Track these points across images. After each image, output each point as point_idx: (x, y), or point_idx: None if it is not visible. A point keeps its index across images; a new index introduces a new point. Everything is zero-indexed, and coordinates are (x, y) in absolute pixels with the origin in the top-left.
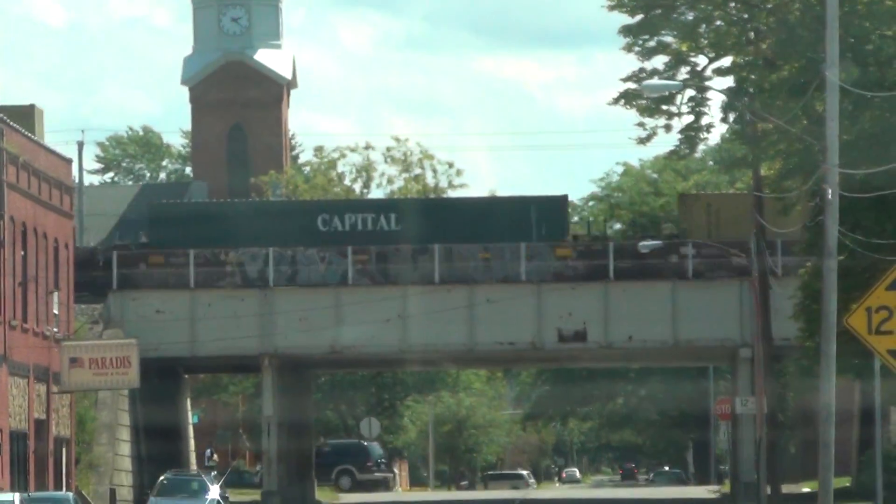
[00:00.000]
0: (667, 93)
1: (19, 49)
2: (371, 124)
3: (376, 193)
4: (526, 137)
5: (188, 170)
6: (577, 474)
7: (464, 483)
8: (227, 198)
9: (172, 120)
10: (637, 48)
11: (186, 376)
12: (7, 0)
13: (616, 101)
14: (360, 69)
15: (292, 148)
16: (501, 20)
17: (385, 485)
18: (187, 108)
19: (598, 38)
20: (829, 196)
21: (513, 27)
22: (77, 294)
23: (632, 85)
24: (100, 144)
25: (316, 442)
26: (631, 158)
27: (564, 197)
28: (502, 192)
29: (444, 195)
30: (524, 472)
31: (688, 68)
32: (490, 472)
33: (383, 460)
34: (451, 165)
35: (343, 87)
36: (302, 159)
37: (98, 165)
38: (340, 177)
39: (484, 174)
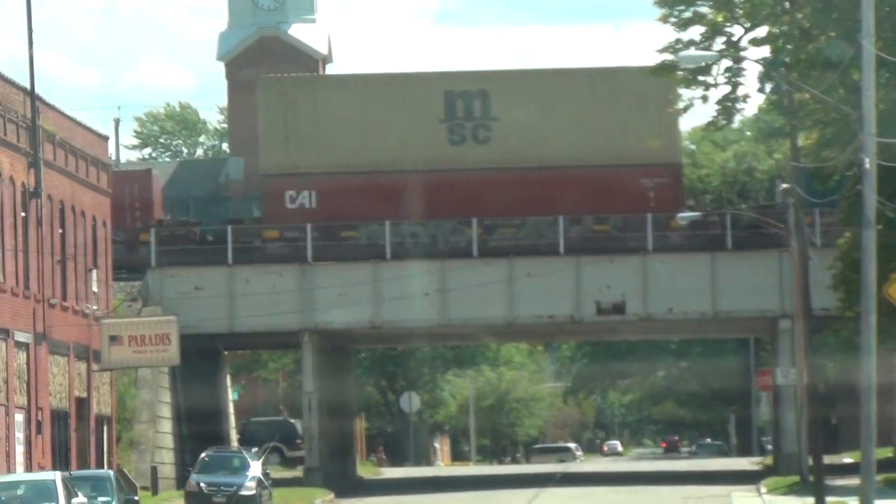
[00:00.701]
0: (703, 64)
1: (55, 26)
2: None
3: None
4: None
5: (225, 146)
6: (619, 447)
7: (506, 458)
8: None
9: (209, 96)
10: (673, 19)
11: (226, 353)
12: None
13: (653, 72)
14: (396, 43)
15: None
16: None
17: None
18: (223, 84)
19: (632, 9)
20: (867, 166)
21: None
22: (115, 272)
23: (668, 56)
24: (137, 120)
25: (353, 421)
26: None
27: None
28: None
29: None
30: (571, 445)
31: (724, 39)
32: (537, 446)
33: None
34: None
35: (378, 61)
36: None
37: (135, 142)
38: None
39: None
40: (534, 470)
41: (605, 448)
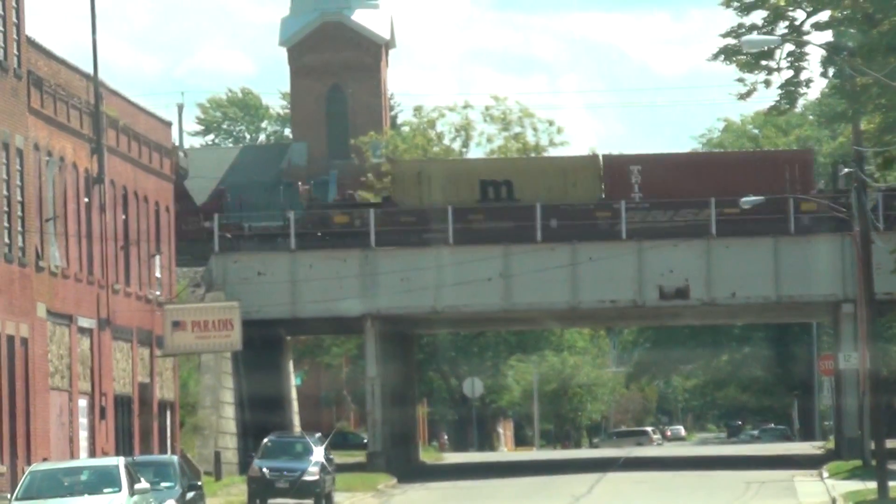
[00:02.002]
0: (766, 48)
1: (115, 12)
2: (467, 83)
3: (475, 152)
4: (623, 94)
5: (287, 131)
6: (682, 432)
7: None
8: (325, 159)
9: (269, 81)
10: (735, 4)
11: (288, 338)
12: None
13: (715, 56)
14: (455, 28)
15: (390, 108)
16: None
17: None
18: (285, 70)
19: None
20: None
21: None
22: (179, 257)
23: (731, 41)
24: (200, 106)
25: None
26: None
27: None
28: (601, 150)
29: (545, 153)
30: (649, 429)
31: (786, 23)
32: (616, 430)
33: None
34: (551, 123)
35: (438, 47)
36: (400, 119)
37: (198, 128)
38: (440, 136)
39: (582, 132)
40: (596, 454)
41: (669, 433)
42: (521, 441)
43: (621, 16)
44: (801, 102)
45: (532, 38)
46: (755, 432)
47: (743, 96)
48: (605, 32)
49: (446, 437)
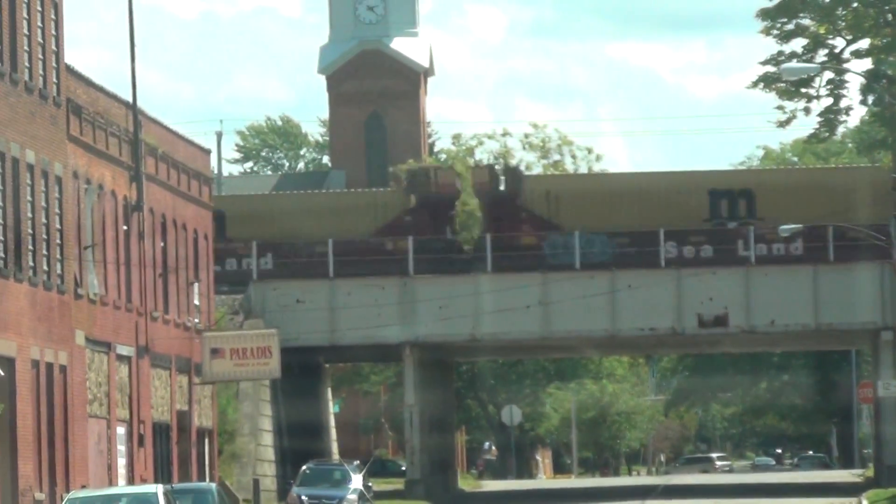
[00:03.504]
0: (805, 76)
1: (152, 40)
2: (503, 111)
3: None
4: (659, 122)
5: (326, 159)
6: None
7: (608, 470)
8: (365, 187)
9: (307, 109)
10: (775, 31)
11: (327, 366)
12: None
13: (755, 84)
14: (490, 56)
15: (428, 136)
16: (629, 5)
17: None
18: (323, 97)
19: (728, 21)
20: None
21: (641, 12)
22: (217, 285)
23: (770, 68)
24: (238, 134)
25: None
26: (764, 142)
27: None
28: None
29: None
30: (714, 455)
31: (826, 51)
32: (685, 457)
33: None
34: (590, 151)
35: (474, 74)
36: (437, 147)
37: (237, 155)
38: (478, 164)
39: (620, 159)
40: (634, 482)
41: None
42: (559, 469)
43: (657, 43)
44: (840, 130)
45: (568, 65)
46: (794, 460)
47: (782, 124)
48: (641, 59)
49: (493, 448)
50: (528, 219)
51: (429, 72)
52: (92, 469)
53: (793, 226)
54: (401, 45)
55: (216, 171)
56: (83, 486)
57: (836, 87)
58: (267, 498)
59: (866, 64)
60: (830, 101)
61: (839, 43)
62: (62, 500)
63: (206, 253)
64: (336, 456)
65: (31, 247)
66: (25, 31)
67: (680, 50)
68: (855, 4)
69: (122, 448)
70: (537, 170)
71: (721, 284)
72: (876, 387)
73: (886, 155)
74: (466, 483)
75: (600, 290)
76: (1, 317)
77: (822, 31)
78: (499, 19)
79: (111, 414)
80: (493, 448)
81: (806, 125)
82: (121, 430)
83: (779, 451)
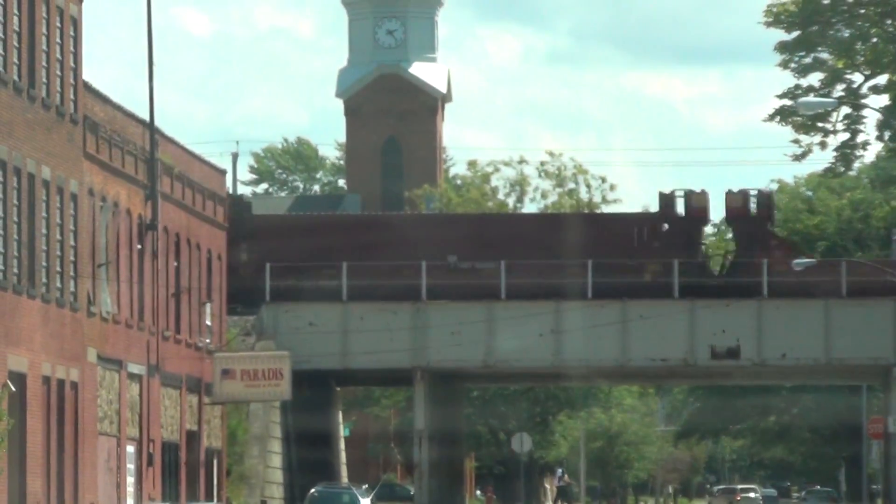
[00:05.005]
0: (822, 110)
1: (167, 60)
2: (517, 138)
3: (530, 208)
4: (673, 153)
5: (342, 182)
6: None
7: (615, 500)
8: (380, 210)
9: (322, 131)
10: (793, 65)
11: (338, 389)
12: (153, 11)
13: (771, 117)
14: (505, 83)
15: (444, 161)
16: (646, 36)
17: None
18: (340, 120)
19: (743, 54)
20: None
21: (657, 43)
22: (229, 305)
23: (787, 102)
24: (254, 155)
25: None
26: (778, 175)
27: None
28: (654, 207)
29: (598, 210)
30: (749, 486)
31: (843, 85)
32: (719, 487)
33: None
34: (604, 180)
35: (489, 101)
36: (452, 172)
37: (252, 177)
38: (494, 191)
39: (633, 189)
40: None
41: (717, 492)
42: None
43: (672, 74)
44: (856, 165)
45: (583, 94)
46: (802, 493)
47: (798, 157)
48: (655, 90)
49: (566, 476)
50: (779, 244)
51: (446, 97)
52: (101, 487)
53: (806, 260)
54: (419, 69)
55: (231, 192)
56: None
57: (853, 122)
58: None
59: (884, 100)
60: (847, 135)
61: (857, 78)
62: None
63: (220, 273)
64: (345, 479)
65: (44, 263)
66: (44, 47)
67: (695, 81)
68: (874, 40)
69: (131, 466)
70: (552, 198)
71: (734, 316)
72: (886, 423)
73: None
74: None
75: (611, 319)
76: (13, 333)
77: (840, 65)
78: (514, 47)
79: (121, 432)
80: (566, 475)
81: (821, 159)
82: (130, 449)
83: (787, 484)
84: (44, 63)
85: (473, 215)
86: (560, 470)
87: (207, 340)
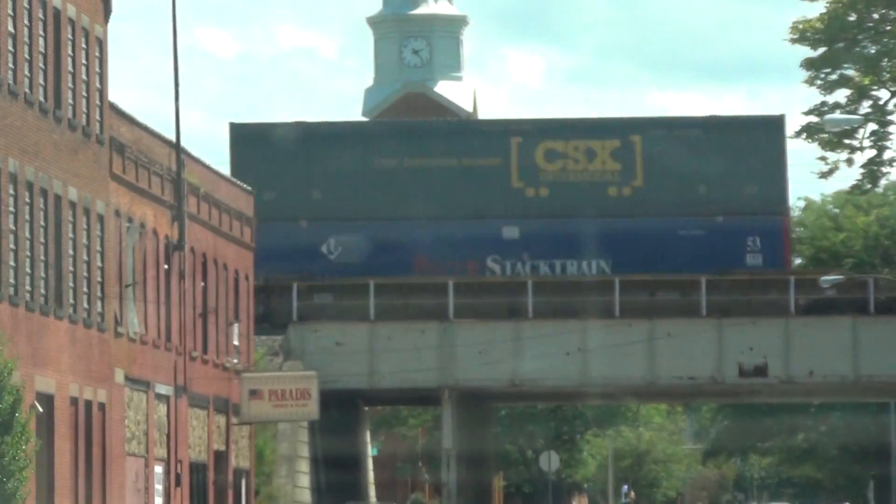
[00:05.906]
0: (849, 127)
1: (191, 80)
2: None
3: None
4: None
5: None
6: None
7: None
8: None
9: None
10: (819, 81)
11: (366, 408)
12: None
13: (797, 134)
14: (529, 101)
15: None
16: (669, 54)
17: None
18: None
19: (767, 71)
20: None
21: (680, 61)
22: (257, 326)
23: (813, 118)
24: None
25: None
26: (805, 192)
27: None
28: None
29: None
30: None
31: (870, 102)
32: None
33: None
34: None
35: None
36: None
37: None
38: None
39: None
40: None
41: None
42: None
43: (696, 92)
44: (883, 182)
45: (606, 112)
46: None
47: (824, 175)
48: (680, 108)
49: (631, 492)
50: None
51: (472, 116)
52: None
53: (834, 277)
54: (445, 88)
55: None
56: None
57: (880, 138)
58: None
59: None
60: (874, 152)
61: (884, 94)
62: None
63: (247, 293)
64: (373, 499)
65: (71, 284)
66: (70, 68)
67: (719, 99)
68: None
69: (159, 487)
70: None
71: (761, 334)
72: None
73: None
74: None
75: (639, 337)
76: (41, 354)
77: (866, 81)
78: (538, 65)
79: (149, 453)
80: (632, 492)
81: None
82: (158, 469)
83: (815, 502)
84: (69, 84)
85: None
86: (626, 487)
87: (235, 361)
